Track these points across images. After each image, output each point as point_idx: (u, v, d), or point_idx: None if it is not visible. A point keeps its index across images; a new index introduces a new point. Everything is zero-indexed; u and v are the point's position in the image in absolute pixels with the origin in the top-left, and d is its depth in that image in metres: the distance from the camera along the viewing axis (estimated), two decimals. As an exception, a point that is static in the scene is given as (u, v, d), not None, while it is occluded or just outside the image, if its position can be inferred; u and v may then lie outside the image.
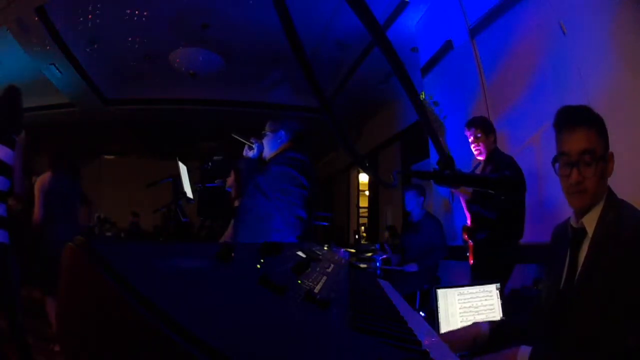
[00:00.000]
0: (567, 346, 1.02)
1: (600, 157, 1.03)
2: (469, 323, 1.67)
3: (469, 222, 2.49)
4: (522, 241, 2.34)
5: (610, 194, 1.08)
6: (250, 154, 2.15)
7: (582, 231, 1.07)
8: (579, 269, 1.05)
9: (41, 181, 2.83)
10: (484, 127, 2.42)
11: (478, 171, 2.48)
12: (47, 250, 2.64)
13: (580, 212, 1.09)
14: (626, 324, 0.93)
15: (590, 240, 1.04)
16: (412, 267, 3.53)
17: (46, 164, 3.59)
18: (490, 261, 2.24)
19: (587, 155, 1.02)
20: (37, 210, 2.77)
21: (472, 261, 2.40)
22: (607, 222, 1.02)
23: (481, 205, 2.31)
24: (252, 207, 1.84)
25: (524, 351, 1.00)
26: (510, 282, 2.36)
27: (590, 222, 1.06)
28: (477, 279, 2.26)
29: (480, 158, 2.45)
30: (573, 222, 1.11)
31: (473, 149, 2.44)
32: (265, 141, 2.09)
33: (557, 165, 1.08)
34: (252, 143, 2.13)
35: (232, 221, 2.97)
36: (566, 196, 1.09)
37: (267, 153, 2.07)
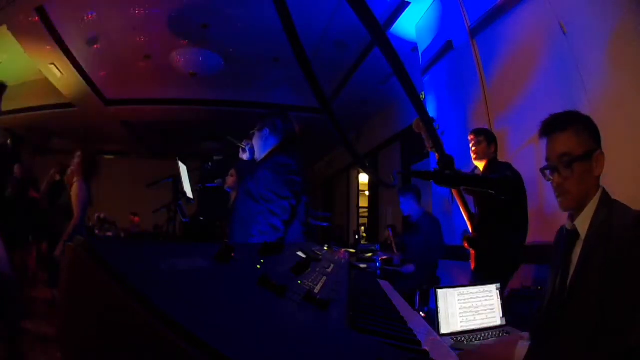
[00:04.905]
0: (562, 347, 1.03)
1: (578, 158, 1.06)
2: (469, 323, 1.67)
3: (470, 229, 2.48)
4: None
5: (604, 194, 1.08)
6: (245, 156, 2.14)
7: (575, 233, 1.08)
8: (572, 270, 1.06)
9: (81, 189, 2.87)
10: (487, 136, 2.44)
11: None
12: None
13: (573, 214, 1.11)
14: (618, 324, 0.93)
15: (582, 242, 1.05)
16: (409, 268, 3.53)
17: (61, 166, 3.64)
18: (492, 269, 2.23)
19: (565, 157, 1.07)
20: (77, 219, 2.81)
21: (473, 267, 2.40)
22: (599, 223, 1.04)
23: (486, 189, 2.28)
24: (240, 210, 1.85)
25: (522, 346, 1.02)
26: (510, 282, 2.36)
27: (582, 223, 1.07)
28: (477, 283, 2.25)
29: (476, 163, 2.46)
30: (567, 224, 1.13)
31: (471, 151, 2.45)
32: (253, 141, 2.05)
33: (547, 172, 1.13)
34: (244, 145, 2.12)
35: None
36: (557, 200, 1.13)
37: (257, 153, 2.04)
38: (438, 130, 2.07)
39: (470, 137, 2.46)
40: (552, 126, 1.12)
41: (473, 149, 2.44)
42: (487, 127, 3.11)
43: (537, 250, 2.46)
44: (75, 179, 2.91)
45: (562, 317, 1.04)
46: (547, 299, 1.14)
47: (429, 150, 2.23)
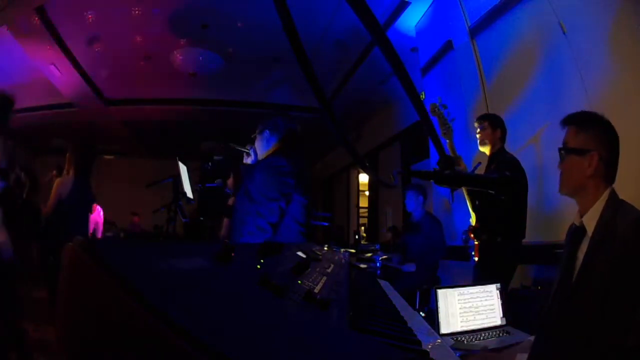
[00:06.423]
0: (564, 345, 1.03)
1: (569, 150, 1.17)
2: (469, 323, 1.67)
3: (473, 221, 2.49)
4: (522, 241, 2.34)
5: (612, 194, 1.10)
6: (249, 160, 2.15)
7: (582, 229, 1.10)
8: (577, 267, 1.07)
9: (64, 183, 2.73)
10: (491, 121, 2.44)
11: (479, 171, 2.48)
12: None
13: (580, 210, 1.13)
14: (619, 324, 0.93)
15: (589, 239, 1.07)
16: (410, 267, 3.54)
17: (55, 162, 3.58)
18: (495, 261, 2.24)
19: (564, 147, 1.20)
20: (49, 210, 2.67)
21: (477, 258, 2.40)
22: (605, 221, 1.05)
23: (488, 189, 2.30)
24: (239, 209, 1.90)
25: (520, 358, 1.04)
26: (510, 282, 2.36)
27: (590, 221, 1.09)
28: (480, 277, 2.25)
29: (481, 148, 2.46)
30: (576, 221, 1.14)
31: (478, 138, 2.47)
32: (256, 144, 2.09)
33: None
34: (248, 149, 2.13)
35: (225, 220, 3.00)
36: None
37: (259, 155, 2.08)
38: (449, 117, 2.10)
39: (476, 125, 2.47)
40: (567, 119, 1.23)
41: (477, 135, 2.46)
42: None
43: (537, 250, 2.46)
44: (70, 173, 2.77)
45: (565, 315, 1.05)
46: (552, 296, 1.14)
47: (444, 136, 2.38)
